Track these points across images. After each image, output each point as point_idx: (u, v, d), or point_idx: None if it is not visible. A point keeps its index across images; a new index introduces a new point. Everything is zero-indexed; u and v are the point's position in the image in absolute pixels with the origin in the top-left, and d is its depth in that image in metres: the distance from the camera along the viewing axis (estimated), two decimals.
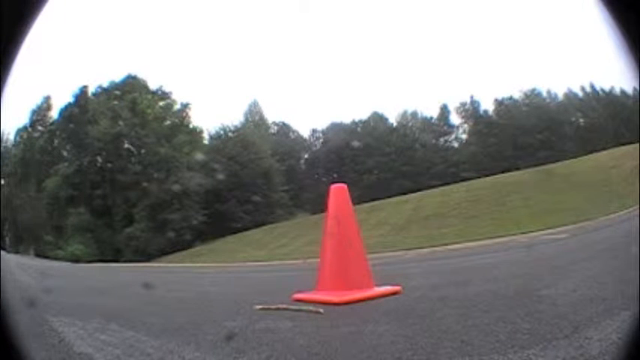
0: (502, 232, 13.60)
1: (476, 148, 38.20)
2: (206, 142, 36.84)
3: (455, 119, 41.23)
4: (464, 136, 40.75)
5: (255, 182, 33.45)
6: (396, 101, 57.61)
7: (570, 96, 39.62)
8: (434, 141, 39.91)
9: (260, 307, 1.77)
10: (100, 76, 41.55)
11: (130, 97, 32.91)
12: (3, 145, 32.31)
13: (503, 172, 29.70)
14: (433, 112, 42.22)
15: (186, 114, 35.43)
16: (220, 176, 31.25)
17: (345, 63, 54.95)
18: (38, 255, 27.15)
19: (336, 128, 40.51)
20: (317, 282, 2.55)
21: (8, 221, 26.99)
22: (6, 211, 25.18)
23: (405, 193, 30.76)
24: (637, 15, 0.64)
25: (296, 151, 40.95)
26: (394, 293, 2.35)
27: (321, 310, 1.63)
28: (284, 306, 1.76)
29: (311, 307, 1.67)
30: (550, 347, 0.93)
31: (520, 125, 36.63)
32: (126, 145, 32.97)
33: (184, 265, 16.21)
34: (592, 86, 38.82)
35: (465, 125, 40.86)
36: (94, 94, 34.30)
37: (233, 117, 54.15)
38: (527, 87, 39.92)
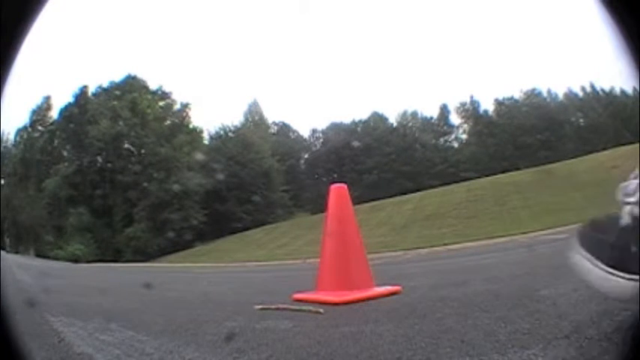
0: (502, 232, 13.59)
1: (476, 148, 38.21)
2: (206, 142, 36.90)
3: (455, 119, 41.29)
4: (464, 136, 40.82)
5: (255, 182, 33.45)
6: (396, 101, 57.73)
7: (570, 96, 39.64)
8: (434, 141, 39.91)
9: (260, 307, 1.77)
10: (100, 76, 41.69)
11: (130, 97, 32.92)
12: (3, 145, 32.33)
13: (503, 172, 29.71)
14: (433, 112, 42.29)
15: (186, 114, 35.50)
16: (220, 176, 31.27)
17: (345, 63, 55.04)
18: (38, 255, 27.14)
19: (336, 128, 40.54)
20: (317, 282, 2.55)
21: (8, 221, 26.97)
22: (6, 211, 25.17)
23: (405, 193, 30.77)
24: (637, 15, 0.64)
25: (296, 151, 40.96)
26: (394, 293, 2.35)
27: (321, 310, 1.62)
28: (284, 306, 1.76)
29: (311, 307, 1.67)
30: (550, 347, 0.93)
31: (520, 125, 36.64)
32: (126, 145, 32.98)
33: (184, 265, 16.21)
34: (592, 86, 38.84)
35: (465, 125, 40.91)
36: (94, 94, 34.33)
37: (233, 117, 54.30)
38: (527, 87, 39.95)
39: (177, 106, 35.45)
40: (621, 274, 0.82)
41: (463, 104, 40.90)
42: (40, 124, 34.39)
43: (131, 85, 33.93)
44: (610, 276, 0.84)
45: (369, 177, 36.37)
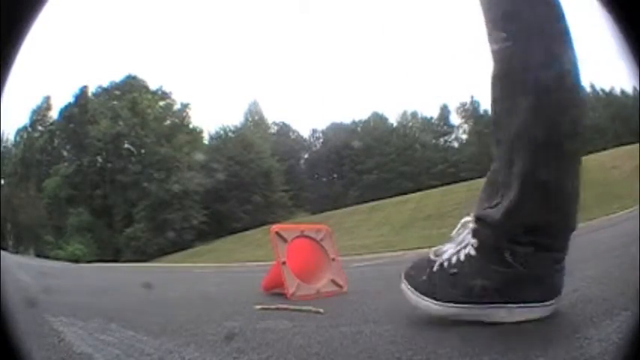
0: None
1: (476, 148, 38.18)
2: (206, 142, 36.91)
3: (455, 119, 41.25)
4: (464, 136, 40.75)
5: (255, 182, 33.46)
6: (396, 101, 57.69)
7: None
8: (434, 141, 39.91)
9: (260, 307, 1.77)
10: (100, 76, 41.67)
11: (130, 97, 32.93)
12: (3, 145, 32.32)
13: None
14: (433, 112, 42.24)
15: (186, 114, 35.50)
16: (220, 176, 31.26)
17: (345, 63, 55.04)
18: (38, 255, 27.14)
19: (336, 128, 40.54)
20: None
21: (8, 221, 26.98)
22: (6, 211, 25.17)
23: (405, 193, 30.75)
24: (637, 15, 0.64)
25: (296, 151, 40.95)
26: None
27: (321, 310, 1.63)
28: (284, 306, 1.76)
29: (311, 307, 1.67)
30: (550, 347, 0.93)
31: None
32: (126, 145, 32.99)
33: (184, 265, 16.20)
34: (592, 86, 38.80)
35: (465, 125, 40.87)
36: (94, 94, 34.34)
37: (233, 117, 54.23)
38: None
39: (177, 106, 35.47)
40: (430, 300, 1.22)
41: (463, 104, 40.87)
42: (40, 124, 34.39)
43: (131, 85, 33.94)
44: (422, 300, 1.23)
45: (369, 177, 36.37)
